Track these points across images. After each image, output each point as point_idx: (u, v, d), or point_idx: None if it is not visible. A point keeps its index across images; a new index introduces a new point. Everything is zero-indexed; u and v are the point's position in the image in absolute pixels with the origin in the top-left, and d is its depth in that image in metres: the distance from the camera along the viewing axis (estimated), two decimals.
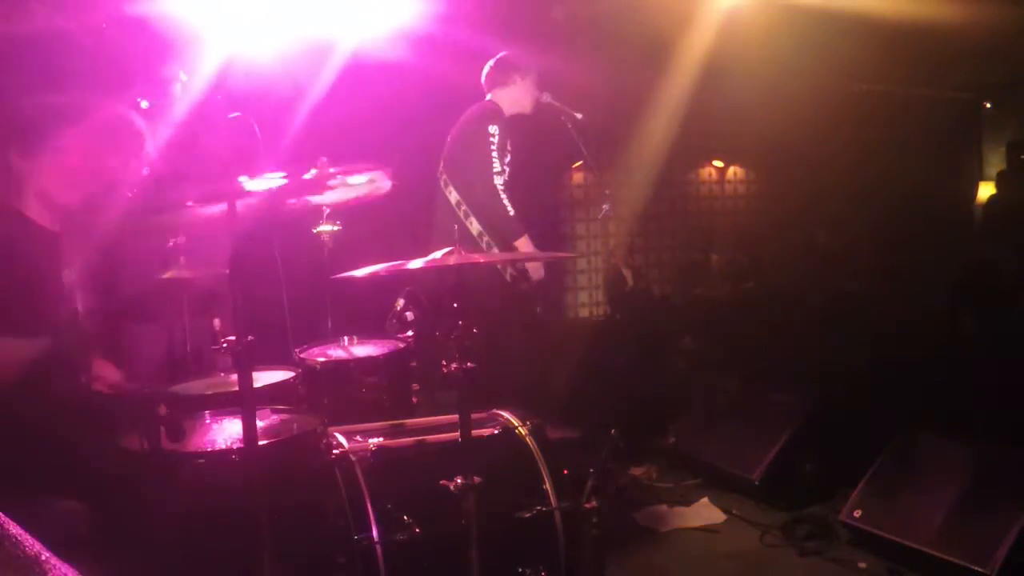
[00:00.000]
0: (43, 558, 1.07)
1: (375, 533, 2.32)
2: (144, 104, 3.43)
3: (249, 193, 2.18)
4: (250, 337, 2.09)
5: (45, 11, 3.37)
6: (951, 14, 5.74)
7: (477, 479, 2.23)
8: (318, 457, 2.52)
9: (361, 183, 2.96)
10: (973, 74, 9.21)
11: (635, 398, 4.87)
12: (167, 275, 3.06)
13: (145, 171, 2.77)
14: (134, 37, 3.62)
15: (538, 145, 4.69)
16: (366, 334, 3.64)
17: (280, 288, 3.60)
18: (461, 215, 4.08)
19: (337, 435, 2.60)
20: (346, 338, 3.60)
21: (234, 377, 2.61)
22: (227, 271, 2.14)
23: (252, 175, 2.21)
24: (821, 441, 4.07)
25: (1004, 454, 3.33)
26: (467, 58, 4.53)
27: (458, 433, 2.28)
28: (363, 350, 3.53)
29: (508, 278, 4.15)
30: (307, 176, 2.36)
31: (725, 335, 6.45)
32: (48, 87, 2.86)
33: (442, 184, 4.18)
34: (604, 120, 4.76)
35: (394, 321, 3.63)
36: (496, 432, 2.72)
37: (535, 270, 4.19)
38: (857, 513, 3.47)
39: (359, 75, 4.88)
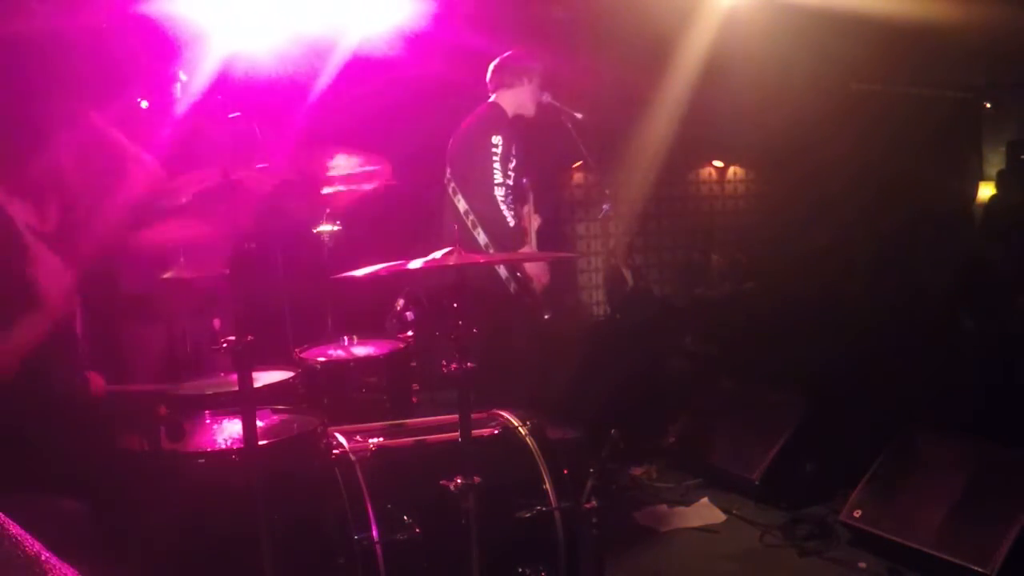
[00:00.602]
0: (43, 558, 1.08)
1: (375, 533, 2.32)
2: (144, 104, 3.43)
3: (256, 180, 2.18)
4: (250, 337, 2.09)
5: (45, 11, 3.37)
6: (951, 14, 5.74)
7: (477, 479, 2.23)
8: (318, 457, 2.52)
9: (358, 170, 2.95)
10: (973, 74, 9.21)
11: (635, 398, 4.87)
12: (167, 275, 3.06)
13: (145, 172, 2.77)
14: (134, 37, 3.61)
15: (538, 145, 4.68)
16: (366, 334, 3.64)
17: (280, 288, 3.60)
18: (469, 224, 4.04)
19: (337, 435, 2.60)
20: (346, 338, 3.60)
21: (234, 377, 2.61)
22: (227, 271, 2.14)
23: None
24: (821, 441, 4.07)
25: (1004, 454, 3.33)
26: (467, 58, 4.52)
27: (458, 433, 2.28)
28: (363, 350, 3.53)
29: (512, 290, 4.13)
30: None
31: (725, 335, 6.45)
32: (47, 88, 2.86)
33: (450, 192, 4.14)
34: (604, 120, 4.76)
35: (394, 321, 3.63)
36: (496, 432, 2.72)
37: (539, 276, 4.16)
38: (857, 513, 3.47)
39: (359, 75, 4.87)
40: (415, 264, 2.30)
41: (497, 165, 3.94)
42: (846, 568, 3.39)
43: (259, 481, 2.10)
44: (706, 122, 7.51)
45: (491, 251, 4.02)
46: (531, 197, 4.32)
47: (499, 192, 3.95)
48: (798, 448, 4.03)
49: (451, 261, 2.26)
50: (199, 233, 2.67)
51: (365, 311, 3.75)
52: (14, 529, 1.08)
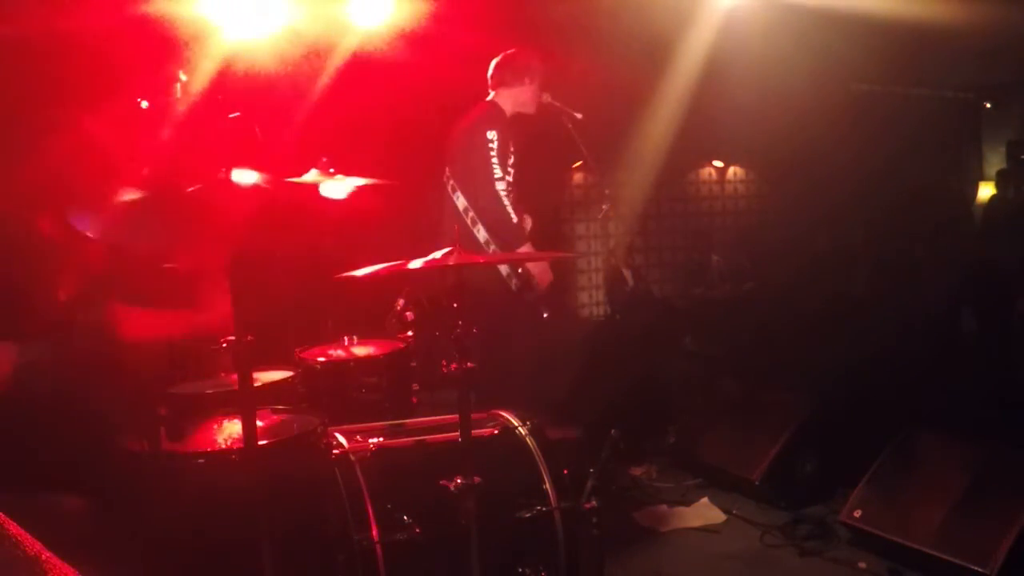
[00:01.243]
0: (43, 558, 1.08)
1: (375, 533, 2.32)
2: (144, 104, 3.43)
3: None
4: (250, 337, 2.09)
5: (46, 11, 3.37)
6: (951, 14, 5.74)
7: (477, 479, 2.23)
8: (318, 457, 2.52)
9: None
10: (973, 74, 9.21)
11: (635, 398, 4.87)
12: (167, 266, 3.06)
13: (144, 171, 2.77)
14: (134, 37, 3.61)
15: (538, 145, 4.68)
16: (366, 334, 3.64)
17: (280, 288, 3.60)
18: (468, 222, 4.04)
19: (337, 435, 2.60)
20: (346, 338, 3.60)
21: (234, 377, 2.61)
22: (227, 271, 2.14)
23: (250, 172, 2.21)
24: (821, 441, 4.07)
25: (1004, 454, 3.32)
26: (467, 58, 4.52)
27: (458, 433, 2.28)
28: (363, 350, 3.53)
29: (514, 288, 4.12)
30: (308, 176, 2.37)
31: (725, 335, 6.46)
32: (48, 88, 2.87)
33: (449, 190, 4.14)
34: (604, 120, 4.75)
35: (394, 321, 3.63)
36: (496, 432, 2.72)
37: (541, 274, 4.16)
38: (857, 513, 3.47)
39: (359, 75, 4.88)
40: (415, 264, 2.29)
41: (495, 160, 3.94)
42: (846, 568, 3.39)
43: (259, 481, 2.10)
44: (706, 122, 7.51)
45: (492, 248, 4.02)
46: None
47: (500, 187, 3.94)
48: (798, 448, 4.03)
49: (451, 261, 2.26)
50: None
51: (365, 311, 3.75)
52: (14, 529, 1.08)
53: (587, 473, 2.52)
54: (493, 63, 4.21)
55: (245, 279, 2.11)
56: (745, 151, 9.20)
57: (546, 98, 4.27)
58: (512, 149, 4.04)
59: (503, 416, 2.79)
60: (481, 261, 2.88)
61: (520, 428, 2.71)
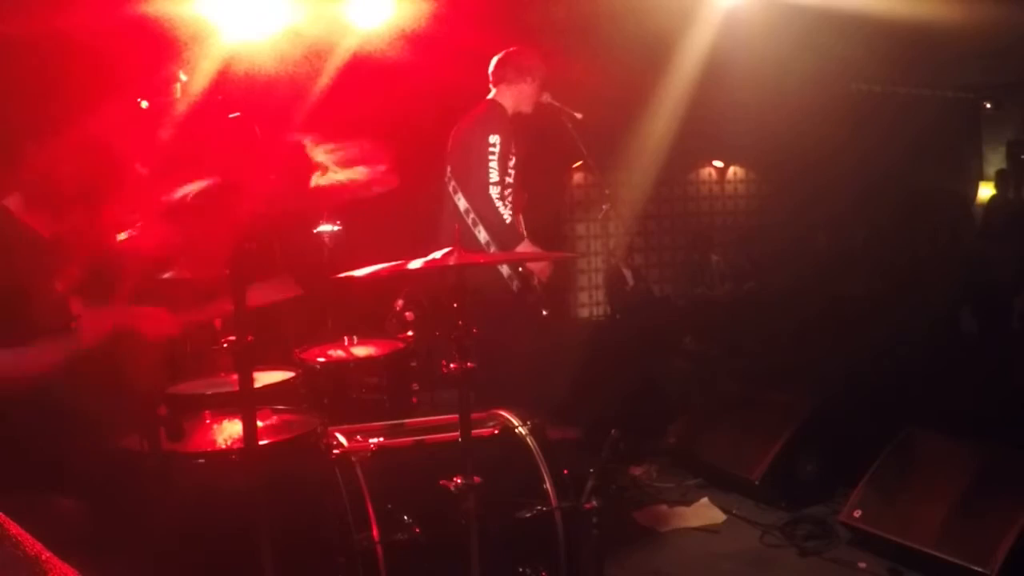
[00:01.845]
0: (43, 558, 1.07)
1: (375, 533, 2.32)
2: (144, 104, 3.43)
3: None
4: (250, 337, 2.09)
5: (46, 11, 3.37)
6: (951, 14, 5.74)
7: (477, 479, 2.23)
8: (318, 457, 2.52)
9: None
10: (973, 74, 9.21)
11: (635, 398, 4.87)
12: (167, 275, 3.06)
13: (144, 171, 2.76)
14: (134, 37, 3.62)
15: (538, 145, 4.68)
16: (366, 334, 3.64)
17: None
18: (470, 223, 4.03)
19: (337, 435, 2.60)
20: (346, 338, 3.60)
21: (234, 377, 2.61)
22: (227, 271, 2.13)
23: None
24: (821, 441, 4.07)
25: (1004, 454, 3.33)
26: (467, 58, 4.52)
27: (458, 433, 2.28)
28: (363, 350, 3.53)
29: (515, 289, 4.12)
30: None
31: (725, 335, 6.46)
32: (45, 89, 2.87)
33: (451, 190, 4.13)
34: (604, 120, 4.75)
35: (394, 321, 3.63)
36: (496, 432, 2.72)
37: (540, 271, 4.15)
38: (857, 513, 3.47)
39: (359, 75, 4.88)
40: (415, 264, 2.29)
41: (493, 164, 3.93)
42: (846, 568, 3.39)
43: (259, 481, 2.10)
44: (706, 122, 7.52)
45: (492, 249, 4.01)
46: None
47: (494, 191, 3.94)
48: (798, 448, 4.03)
49: (451, 261, 2.26)
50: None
51: (365, 311, 3.76)
52: (14, 529, 1.08)
53: (587, 473, 2.52)
54: (496, 59, 4.19)
55: (245, 280, 2.11)
56: (745, 151, 9.20)
57: (546, 98, 4.26)
58: (514, 151, 4.04)
59: (503, 416, 2.79)
60: (480, 261, 2.87)
61: (520, 428, 2.71)
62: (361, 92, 4.92)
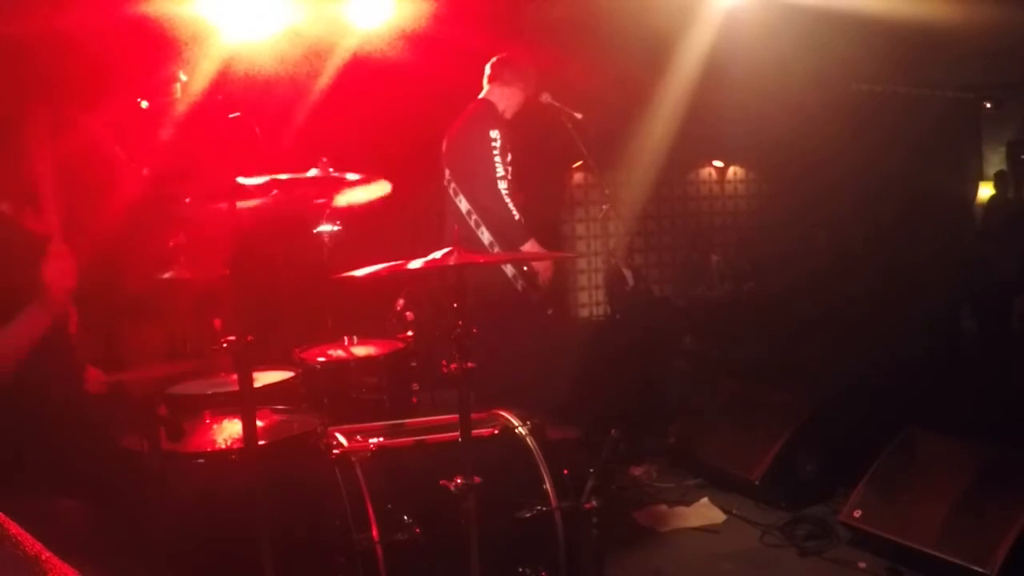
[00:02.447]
0: (43, 558, 1.07)
1: (375, 533, 2.32)
2: (144, 104, 3.43)
3: (252, 194, 2.17)
4: (250, 337, 2.09)
5: (45, 11, 3.37)
6: (951, 14, 5.74)
7: (477, 479, 2.23)
8: (318, 457, 2.52)
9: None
10: (973, 74, 9.22)
11: (635, 398, 4.87)
12: (167, 275, 3.06)
13: (144, 171, 2.76)
14: (134, 37, 3.61)
15: (538, 145, 4.68)
16: (366, 334, 3.64)
17: (280, 288, 3.60)
18: (472, 224, 4.03)
19: (337, 435, 2.60)
20: (346, 338, 3.59)
21: (234, 377, 2.61)
22: (227, 271, 2.13)
23: (251, 175, 2.21)
24: (821, 441, 4.07)
25: (1004, 454, 3.32)
26: (467, 58, 4.52)
27: (458, 433, 2.28)
28: (363, 350, 3.52)
29: (520, 288, 4.12)
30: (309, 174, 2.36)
31: (725, 335, 6.46)
32: (44, 89, 2.86)
33: (451, 193, 4.13)
34: (604, 120, 4.75)
35: (394, 321, 3.63)
36: (496, 432, 2.72)
37: (544, 272, 4.15)
38: (857, 513, 3.47)
39: (359, 75, 4.88)
40: (415, 264, 2.29)
41: (497, 158, 3.93)
42: (846, 568, 3.39)
43: (259, 481, 2.10)
44: (706, 122, 7.52)
45: (496, 250, 4.01)
46: None
47: (503, 185, 3.94)
48: (798, 448, 4.03)
49: (451, 261, 2.26)
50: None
51: (365, 311, 3.75)
52: (14, 529, 1.08)
53: (587, 473, 2.52)
54: (495, 59, 4.20)
55: (245, 280, 2.11)
56: (745, 151, 9.20)
57: (546, 98, 4.27)
58: (509, 147, 4.04)
59: (503, 416, 2.79)
60: (480, 261, 2.87)
61: (520, 428, 2.71)
62: (361, 92, 4.92)
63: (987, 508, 3.14)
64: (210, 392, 2.86)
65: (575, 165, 7.99)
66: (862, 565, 3.37)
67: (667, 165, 7.78)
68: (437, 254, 2.31)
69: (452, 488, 2.23)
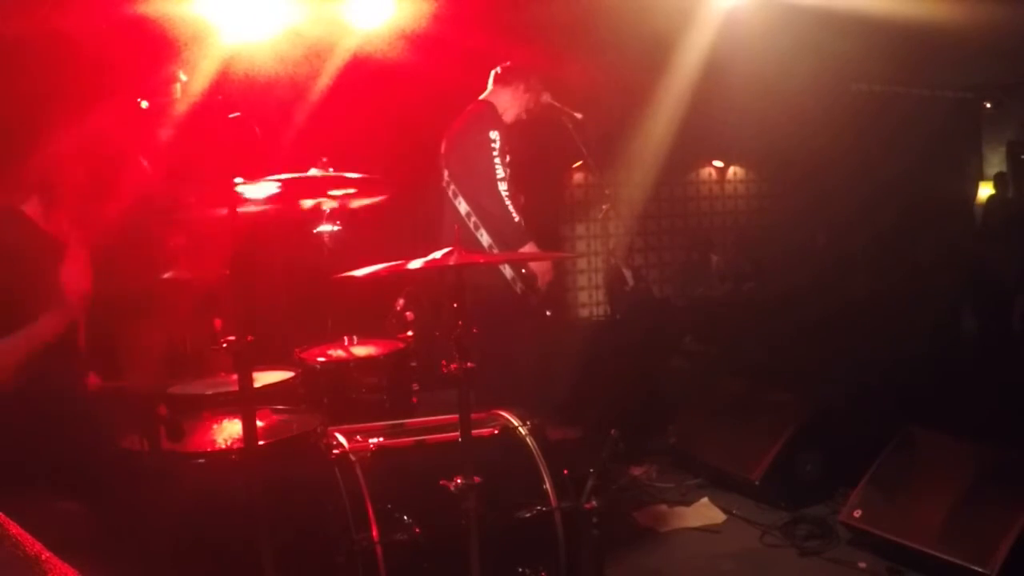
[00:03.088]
0: (43, 558, 1.08)
1: (375, 533, 2.32)
2: (144, 104, 3.42)
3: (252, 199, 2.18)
4: (250, 337, 2.09)
5: (46, 11, 3.37)
6: (951, 14, 5.74)
7: (477, 479, 2.23)
8: (318, 457, 2.52)
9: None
10: (973, 74, 9.22)
11: (635, 398, 4.87)
12: (167, 275, 3.06)
13: (145, 169, 2.76)
14: (134, 37, 3.61)
15: (538, 145, 4.67)
16: (366, 334, 3.64)
17: (280, 288, 3.60)
18: (471, 226, 4.03)
19: (337, 435, 2.60)
20: (346, 338, 3.59)
21: (234, 377, 2.61)
22: (227, 271, 2.13)
23: (252, 176, 2.21)
24: (821, 441, 4.07)
25: (1004, 454, 3.32)
26: (467, 58, 4.52)
27: (458, 433, 2.28)
28: (363, 350, 3.52)
29: (519, 291, 4.12)
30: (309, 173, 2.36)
31: (725, 335, 6.46)
32: (43, 88, 2.87)
33: (450, 194, 4.12)
34: (604, 120, 4.75)
35: (394, 321, 3.63)
36: (496, 432, 2.72)
37: (543, 273, 4.15)
38: (857, 513, 3.47)
39: (359, 75, 4.88)
40: (415, 264, 2.29)
41: (498, 159, 3.93)
42: (846, 568, 3.39)
43: (259, 481, 2.10)
44: (706, 122, 7.51)
45: (495, 252, 4.00)
46: None
47: (502, 187, 3.94)
48: (798, 448, 4.03)
49: (451, 261, 2.26)
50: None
51: (365, 311, 3.75)
52: (14, 529, 1.08)
53: (587, 473, 2.52)
54: (505, 64, 4.20)
55: (245, 280, 2.11)
56: (745, 151, 9.20)
57: (546, 98, 4.26)
58: (509, 149, 4.04)
59: (503, 416, 2.79)
60: (480, 261, 2.87)
61: (520, 428, 2.71)
62: (361, 93, 4.92)
63: (987, 508, 3.14)
64: (210, 392, 2.87)
65: (575, 165, 7.98)
66: (862, 565, 3.37)
67: (667, 165, 7.77)
68: (437, 254, 2.31)
69: (452, 488, 2.23)
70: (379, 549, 2.30)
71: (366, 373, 3.40)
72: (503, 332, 3.74)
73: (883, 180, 8.23)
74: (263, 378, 2.99)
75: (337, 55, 4.77)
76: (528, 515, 2.50)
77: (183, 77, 3.62)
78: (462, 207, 4.06)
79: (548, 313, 4.18)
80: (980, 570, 2.96)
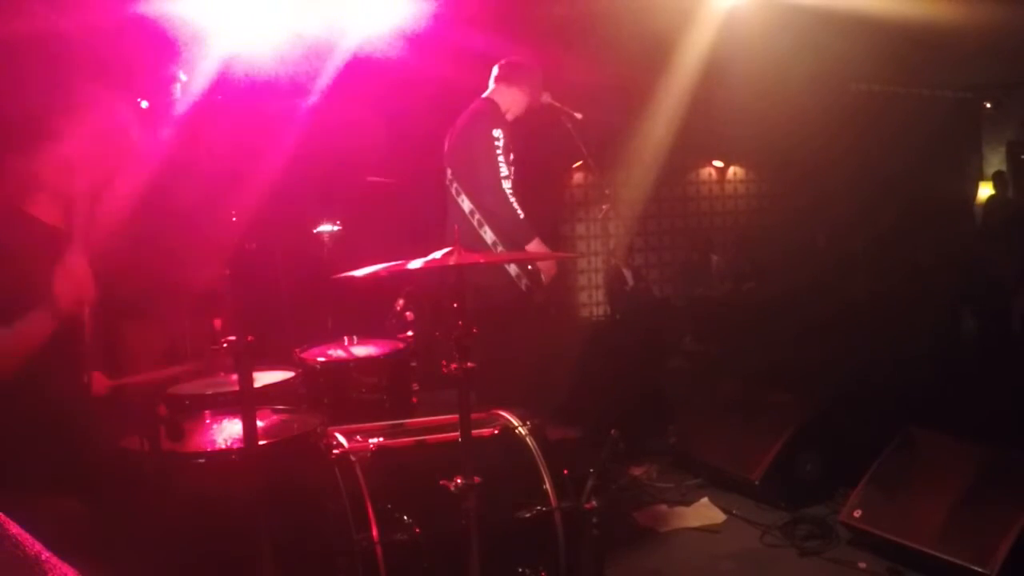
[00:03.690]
0: (43, 558, 1.07)
1: (375, 533, 2.32)
2: (144, 104, 3.43)
3: None
4: (250, 337, 2.09)
5: (46, 11, 3.37)
6: (951, 14, 5.75)
7: (477, 479, 2.23)
8: (318, 457, 2.52)
9: None
10: (973, 74, 9.22)
11: (635, 398, 4.86)
12: (167, 275, 3.06)
13: (144, 169, 2.76)
14: (134, 37, 3.61)
15: (538, 145, 4.67)
16: (366, 334, 3.64)
17: (280, 288, 3.60)
18: (475, 224, 4.02)
19: (337, 435, 2.60)
20: (346, 338, 3.59)
21: (234, 377, 2.61)
22: (227, 271, 2.14)
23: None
24: (821, 441, 4.07)
25: (1004, 454, 3.32)
26: (467, 58, 4.52)
27: (458, 433, 2.28)
28: (363, 350, 3.53)
29: (524, 288, 4.12)
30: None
31: (725, 335, 6.46)
32: (48, 86, 2.86)
33: (453, 192, 4.12)
34: (604, 120, 4.75)
35: (394, 321, 3.63)
36: (496, 432, 2.72)
37: (547, 270, 4.15)
38: (857, 513, 3.47)
39: (359, 75, 4.88)
40: (415, 264, 2.29)
41: (501, 157, 3.93)
42: (846, 568, 3.39)
43: (259, 481, 2.10)
44: (706, 122, 7.52)
45: (499, 249, 4.00)
46: None
47: (507, 185, 3.94)
48: (798, 448, 4.03)
49: (451, 261, 2.26)
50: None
51: (365, 311, 3.75)
52: (14, 529, 1.08)
53: (587, 473, 2.52)
54: (504, 60, 4.19)
55: (245, 280, 2.11)
56: (745, 151, 9.21)
57: (546, 98, 4.26)
58: (512, 147, 4.04)
59: (503, 416, 2.79)
60: (481, 261, 2.87)
61: (520, 428, 2.71)
62: (361, 92, 4.92)
63: (987, 508, 3.14)
64: (210, 392, 2.87)
65: (575, 165, 7.99)
66: (862, 565, 3.37)
67: (667, 165, 7.78)
68: (437, 254, 2.31)
69: (452, 488, 2.23)
70: (379, 549, 2.30)
71: (366, 373, 3.41)
72: (505, 331, 3.74)
73: (883, 180, 8.23)
74: (263, 378, 2.99)
75: (337, 55, 4.77)
76: (528, 515, 2.50)
77: (183, 77, 3.62)
78: (465, 205, 4.06)
79: (553, 311, 4.18)
80: (980, 570, 2.96)
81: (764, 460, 4.01)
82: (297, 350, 3.45)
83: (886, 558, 3.35)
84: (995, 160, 10.64)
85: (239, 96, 3.91)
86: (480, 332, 2.29)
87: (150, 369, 3.19)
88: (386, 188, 4.11)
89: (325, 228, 3.58)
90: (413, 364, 3.54)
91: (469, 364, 2.25)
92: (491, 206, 3.97)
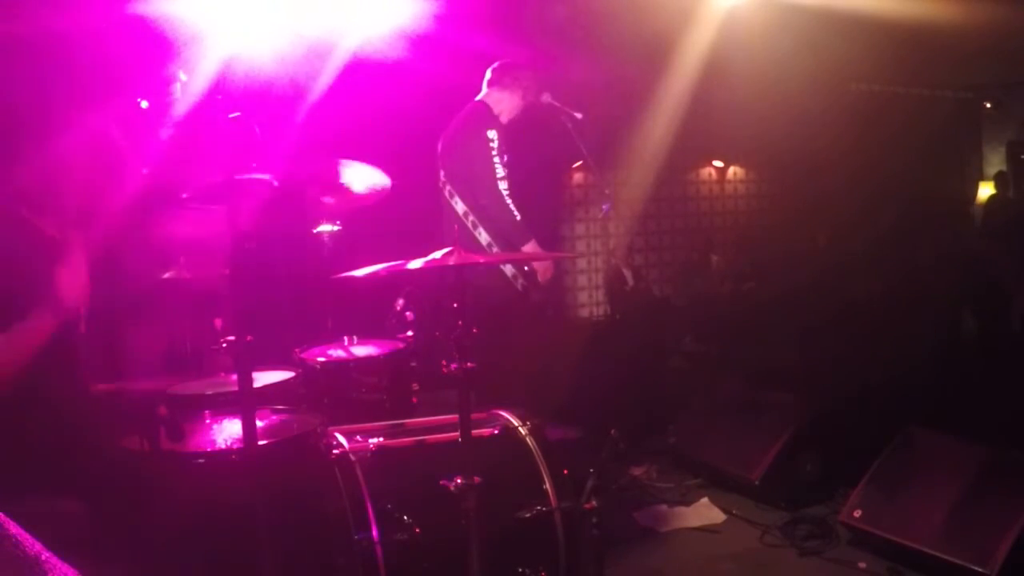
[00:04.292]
0: (43, 558, 1.08)
1: (375, 533, 2.32)
2: (144, 104, 3.43)
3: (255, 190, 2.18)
4: (250, 337, 2.09)
5: (45, 11, 3.37)
6: (951, 14, 5.75)
7: (477, 479, 2.23)
8: (318, 457, 2.52)
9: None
10: (973, 74, 9.22)
11: (635, 398, 4.87)
12: (167, 275, 3.06)
13: (144, 170, 2.77)
14: (134, 37, 3.61)
15: (538, 145, 4.68)
16: (366, 334, 3.64)
17: (280, 288, 3.59)
18: (469, 225, 4.03)
19: (337, 435, 2.60)
20: (346, 338, 3.59)
21: (234, 377, 2.61)
22: (227, 271, 2.13)
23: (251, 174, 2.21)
24: (821, 441, 4.07)
25: (1004, 454, 3.33)
26: (467, 58, 4.52)
27: (458, 433, 2.28)
28: (363, 350, 3.52)
29: (520, 288, 4.12)
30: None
31: (725, 335, 6.46)
32: (48, 88, 2.86)
33: (447, 195, 4.13)
34: (604, 120, 4.75)
35: (394, 321, 3.63)
36: (496, 432, 2.72)
37: (544, 271, 4.15)
38: (857, 513, 3.47)
39: (359, 75, 4.87)
40: (415, 264, 2.29)
41: (496, 159, 3.94)
42: (846, 568, 3.39)
43: (259, 481, 2.10)
44: (706, 122, 7.51)
45: (494, 250, 4.01)
46: None
47: (503, 186, 3.94)
48: (798, 448, 4.03)
49: (451, 261, 2.26)
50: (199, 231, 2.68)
51: (365, 311, 3.75)
52: (14, 529, 1.08)
53: (587, 473, 2.52)
54: (496, 64, 4.21)
55: (245, 280, 2.11)
56: (745, 151, 9.20)
57: (546, 98, 4.27)
58: (506, 148, 4.05)
59: (503, 416, 2.79)
60: (481, 261, 2.88)
61: (520, 428, 2.71)
62: (361, 92, 4.92)
63: (987, 508, 3.14)
64: (210, 392, 2.87)
65: (575, 165, 7.99)
66: (862, 565, 3.37)
67: (667, 165, 7.77)
68: (437, 254, 2.31)
69: (452, 488, 2.23)
70: (379, 549, 2.30)
71: (366, 373, 3.40)
72: (504, 331, 3.74)
73: (883, 180, 8.22)
74: (263, 378, 2.99)
75: (337, 55, 4.77)
76: (528, 515, 2.50)
77: (183, 77, 3.62)
78: (459, 207, 4.07)
79: (550, 311, 4.19)
80: (980, 570, 2.97)
81: (764, 460, 4.01)
82: (297, 350, 3.45)
83: (886, 558, 3.35)
84: (995, 160, 10.64)
85: (239, 96, 3.90)
86: (478, 331, 2.29)
87: (150, 376, 3.20)
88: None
89: (325, 228, 3.58)
90: (413, 364, 3.54)
91: (469, 364, 2.25)
92: (487, 207, 3.98)
